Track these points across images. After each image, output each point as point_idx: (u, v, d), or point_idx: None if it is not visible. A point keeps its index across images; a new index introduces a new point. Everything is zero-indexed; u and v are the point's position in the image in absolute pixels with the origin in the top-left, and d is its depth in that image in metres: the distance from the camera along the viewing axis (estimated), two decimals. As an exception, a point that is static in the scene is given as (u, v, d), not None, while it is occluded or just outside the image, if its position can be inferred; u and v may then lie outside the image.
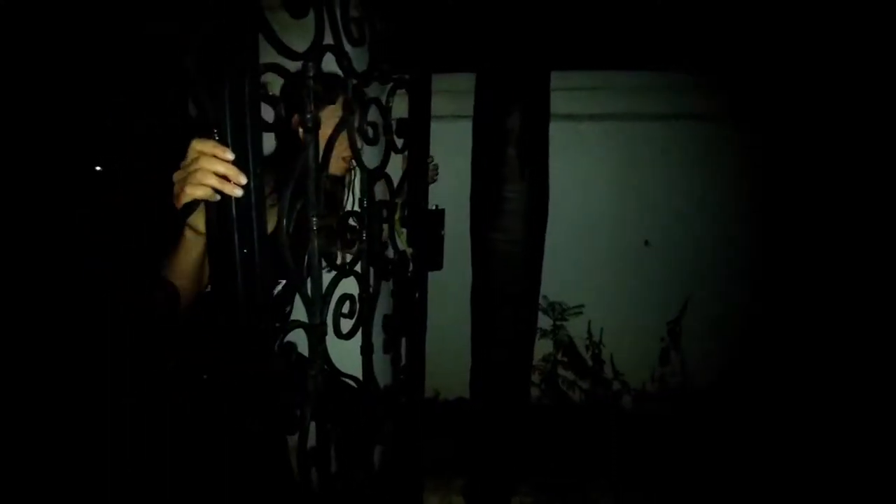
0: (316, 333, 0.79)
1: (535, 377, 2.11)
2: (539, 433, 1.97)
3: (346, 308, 0.93)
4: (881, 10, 1.70)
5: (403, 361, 1.32)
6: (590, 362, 2.10)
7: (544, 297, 2.04)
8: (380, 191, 1.09)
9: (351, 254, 0.99)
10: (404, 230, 1.28)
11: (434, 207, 1.36)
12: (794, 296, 2.06)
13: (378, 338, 1.18)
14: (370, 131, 0.91)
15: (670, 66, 1.95)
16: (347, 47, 0.79)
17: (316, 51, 0.71)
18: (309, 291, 0.77)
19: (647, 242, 2.09)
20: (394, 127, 1.02)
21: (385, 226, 1.06)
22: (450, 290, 1.86)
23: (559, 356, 2.06)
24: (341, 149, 1.23)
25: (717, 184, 2.03)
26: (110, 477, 0.98)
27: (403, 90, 1.06)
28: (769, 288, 2.10)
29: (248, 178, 0.59)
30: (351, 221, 0.90)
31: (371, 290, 0.98)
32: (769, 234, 2.08)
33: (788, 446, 1.81)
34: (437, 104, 2.01)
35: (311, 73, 0.71)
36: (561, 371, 2.12)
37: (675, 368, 2.12)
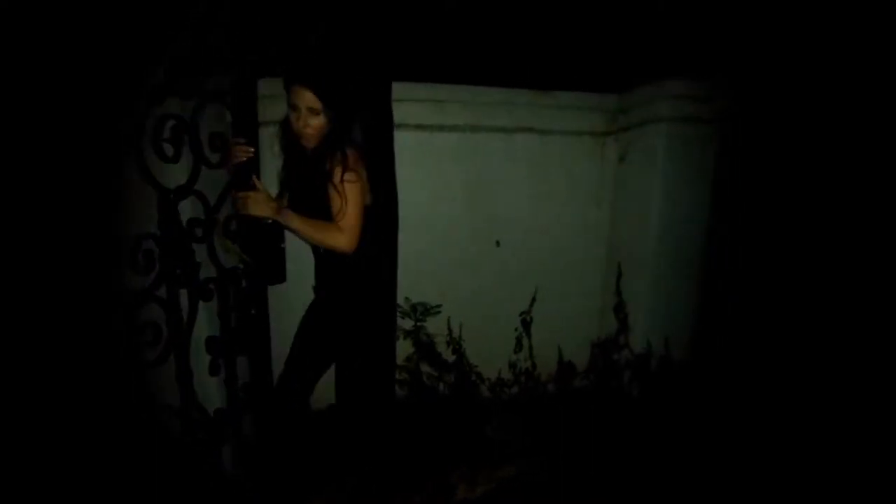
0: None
1: (402, 375, 2.19)
2: (407, 428, 2.06)
3: (149, 335, 0.88)
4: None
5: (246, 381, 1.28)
6: (452, 357, 2.24)
7: (406, 299, 2.12)
8: (190, 208, 1.04)
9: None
10: (235, 245, 1.24)
11: (270, 220, 1.34)
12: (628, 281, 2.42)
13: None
14: (169, 149, 0.87)
15: (511, 83, 2.15)
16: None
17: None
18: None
19: (497, 243, 2.29)
20: (205, 141, 0.98)
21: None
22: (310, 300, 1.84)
23: (421, 355, 2.16)
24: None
25: (551, 187, 2.30)
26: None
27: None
28: (602, 274, 2.45)
29: None
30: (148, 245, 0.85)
31: (184, 313, 0.94)
32: (599, 228, 2.42)
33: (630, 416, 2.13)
34: (283, 110, 1.95)
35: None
36: (426, 368, 2.23)
37: (525, 354, 2.37)
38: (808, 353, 1.76)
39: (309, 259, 1.57)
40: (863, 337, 1.61)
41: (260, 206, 1.20)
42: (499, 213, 2.26)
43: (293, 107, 1.29)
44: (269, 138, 1.40)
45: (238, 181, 1.15)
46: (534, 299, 2.39)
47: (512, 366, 2.39)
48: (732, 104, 2.07)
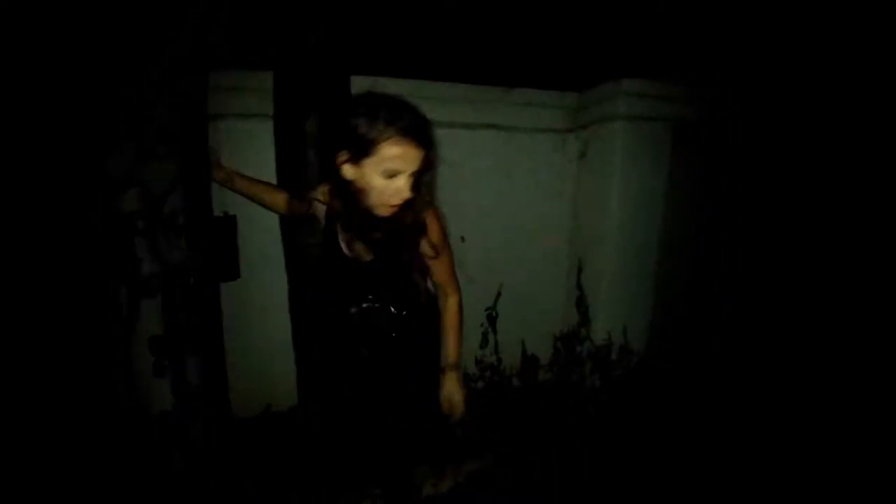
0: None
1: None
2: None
3: (90, 334, 0.83)
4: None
5: (197, 383, 1.22)
6: (418, 353, 2.23)
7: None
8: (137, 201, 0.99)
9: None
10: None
11: (224, 214, 1.29)
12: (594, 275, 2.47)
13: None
14: (115, 139, 0.82)
15: (475, 80, 2.16)
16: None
17: None
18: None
19: (463, 239, 2.29)
20: (153, 133, 0.93)
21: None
22: (275, 297, 1.78)
23: (386, 351, 2.13)
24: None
25: (515, 183, 2.33)
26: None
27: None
28: (564, 268, 2.50)
29: None
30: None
31: (123, 311, 0.89)
32: (561, 223, 2.46)
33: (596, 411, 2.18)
34: (247, 103, 1.90)
35: None
36: (392, 365, 2.21)
37: (491, 349, 2.38)
38: (763, 338, 1.85)
39: (262, 253, 1.53)
40: (818, 325, 1.70)
41: (462, 403, 1.32)
42: (464, 209, 2.26)
43: (391, 174, 1.01)
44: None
45: (186, 174, 1.09)
46: (499, 294, 2.41)
47: (478, 361, 2.40)
48: (689, 103, 2.15)
